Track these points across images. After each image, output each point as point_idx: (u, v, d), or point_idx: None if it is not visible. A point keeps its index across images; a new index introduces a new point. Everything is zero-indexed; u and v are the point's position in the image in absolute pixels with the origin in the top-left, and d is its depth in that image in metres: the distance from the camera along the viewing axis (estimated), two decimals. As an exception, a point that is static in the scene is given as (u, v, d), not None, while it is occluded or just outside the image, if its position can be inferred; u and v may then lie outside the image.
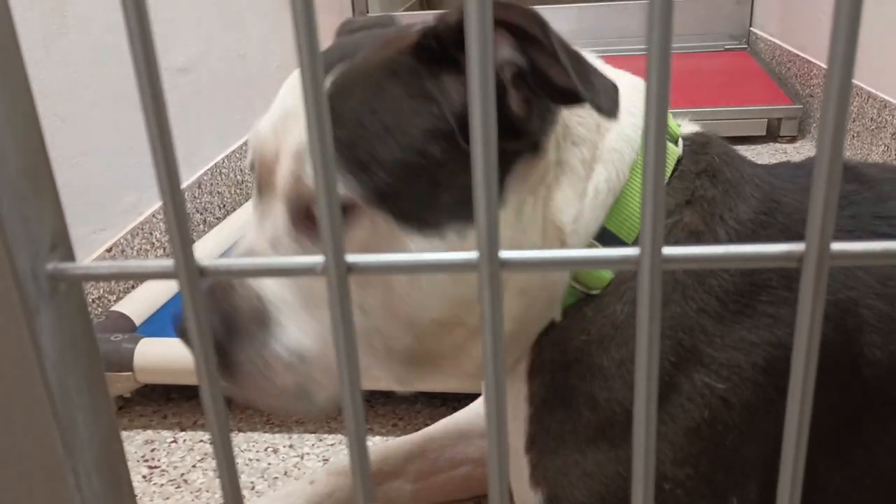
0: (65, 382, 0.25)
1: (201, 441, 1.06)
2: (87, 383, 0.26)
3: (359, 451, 0.24)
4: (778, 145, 2.06)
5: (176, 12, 1.58)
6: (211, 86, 1.72)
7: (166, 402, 1.15)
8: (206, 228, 1.65)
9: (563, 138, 0.58)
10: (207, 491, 0.97)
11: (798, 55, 2.28)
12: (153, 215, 1.45)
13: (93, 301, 1.27)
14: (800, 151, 2.02)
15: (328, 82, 0.55)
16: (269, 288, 0.56)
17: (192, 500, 0.96)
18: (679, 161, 0.61)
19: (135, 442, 1.07)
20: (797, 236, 0.60)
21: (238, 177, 1.82)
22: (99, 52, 1.31)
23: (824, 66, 1.99)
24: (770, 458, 0.58)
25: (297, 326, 0.56)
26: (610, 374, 0.58)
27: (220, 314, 0.56)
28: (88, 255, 1.28)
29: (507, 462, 0.24)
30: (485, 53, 0.20)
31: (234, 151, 1.81)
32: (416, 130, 0.53)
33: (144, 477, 1.00)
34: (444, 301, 0.57)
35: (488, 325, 0.22)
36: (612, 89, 0.49)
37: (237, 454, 1.03)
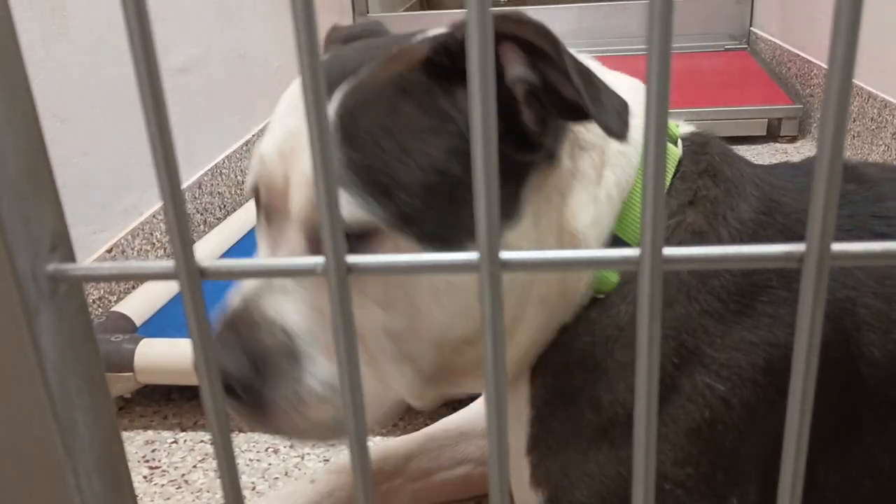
0: (65, 383, 0.25)
1: (202, 441, 1.07)
2: (87, 384, 0.26)
3: (359, 450, 0.24)
4: (778, 145, 2.06)
5: (176, 12, 1.58)
6: (211, 86, 1.72)
7: (167, 402, 1.15)
8: (206, 229, 1.65)
9: (573, 144, 0.58)
10: (208, 491, 0.97)
11: (798, 55, 2.28)
12: (153, 216, 1.45)
13: (93, 301, 1.27)
14: (800, 151, 2.02)
15: (335, 100, 0.54)
16: (295, 321, 0.54)
17: (193, 500, 0.96)
18: (679, 162, 0.61)
19: (135, 442, 1.07)
20: (796, 236, 0.60)
21: (238, 177, 1.82)
22: (99, 52, 1.31)
23: (824, 65, 1.99)
24: (770, 457, 0.58)
25: (328, 358, 0.54)
26: (614, 376, 0.58)
27: (246, 352, 0.54)
28: (89, 256, 1.28)
29: (507, 462, 0.24)
30: (485, 50, 0.20)
31: (234, 152, 1.81)
32: (435, 150, 0.52)
33: (145, 477, 1.00)
34: (469, 318, 0.56)
35: (488, 326, 0.22)
36: (623, 108, 0.49)
37: (238, 454, 1.03)
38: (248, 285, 0.56)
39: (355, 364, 0.23)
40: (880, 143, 1.71)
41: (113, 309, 1.22)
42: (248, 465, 1.01)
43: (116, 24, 1.34)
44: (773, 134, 2.09)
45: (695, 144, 0.63)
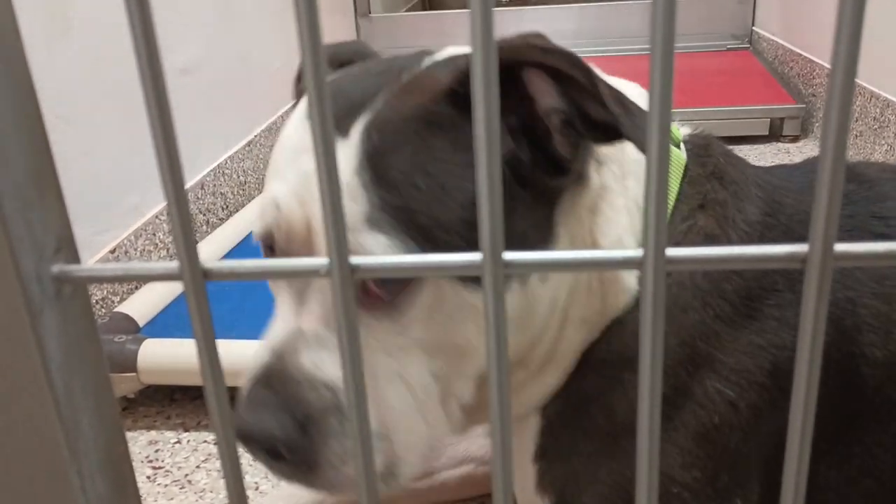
0: (70, 384, 0.25)
1: (205, 441, 1.07)
2: (92, 385, 0.26)
3: (362, 450, 0.24)
4: (780, 145, 2.06)
5: (178, 13, 1.58)
6: (213, 87, 1.72)
7: (170, 402, 1.15)
8: (208, 229, 1.65)
9: (594, 159, 0.58)
10: (211, 491, 0.97)
11: (801, 54, 2.28)
12: (156, 216, 1.45)
13: (96, 302, 1.27)
14: (802, 151, 2.01)
15: (356, 137, 0.51)
16: (337, 375, 0.52)
17: (197, 500, 0.96)
18: (686, 166, 0.61)
19: (138, 443, 1.07)
20: (799, 237, 0.60)
21: (241, 178, 1.82)
22: (101, 53, 1.31)
23: (827, 65, 1.98)
24: (772, 457, 0.58)
25: (375, 407, 0.52)
26: (630, 385, 0.57)
27: (289, 412, 0.51)
28: (92, 257, 1.29)
29: (511, 462, 0.24)
30: (486, 50, 0.20)
31: (236, 152, 1.81)
32: (471, 184, 0.50)
33: (148, 477, 1.00)
34: (511, 347, 0.56)
35: (491, 327, 0.22)
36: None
37: (241, 454, 1.03)
38: (277, 338, 0.54)
39: (359, 365, 0.23)
40: (882, 142, 1.71)
41: (116, 309, 1.22)
42: (251, 465, 1.01)
43: (119, 25, 1.34)
44: (775, 134, 2.09)
45: (697, 147, 0.63)
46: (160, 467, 1.02)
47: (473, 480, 0.89)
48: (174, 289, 1.28)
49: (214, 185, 1.70)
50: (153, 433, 1.09)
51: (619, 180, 0.58)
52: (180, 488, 0.98)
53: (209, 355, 0.24)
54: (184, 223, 0.22)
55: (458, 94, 0.51)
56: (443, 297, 0.51)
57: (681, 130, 0.65)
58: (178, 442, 1.07)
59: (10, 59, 0.23)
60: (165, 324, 1.21)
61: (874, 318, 0.58)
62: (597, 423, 0.59)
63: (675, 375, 0.56)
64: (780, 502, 0.24)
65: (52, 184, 0.25)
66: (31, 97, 0.24)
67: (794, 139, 2.07)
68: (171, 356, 1.06)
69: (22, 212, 0.23)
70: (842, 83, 0.19)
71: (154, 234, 1.44)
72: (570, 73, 0.48)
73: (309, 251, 0.53)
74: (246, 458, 1.03)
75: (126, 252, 1.36)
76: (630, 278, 0.59)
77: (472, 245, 0.50)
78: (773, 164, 0.74)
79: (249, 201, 1.77)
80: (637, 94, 0.62)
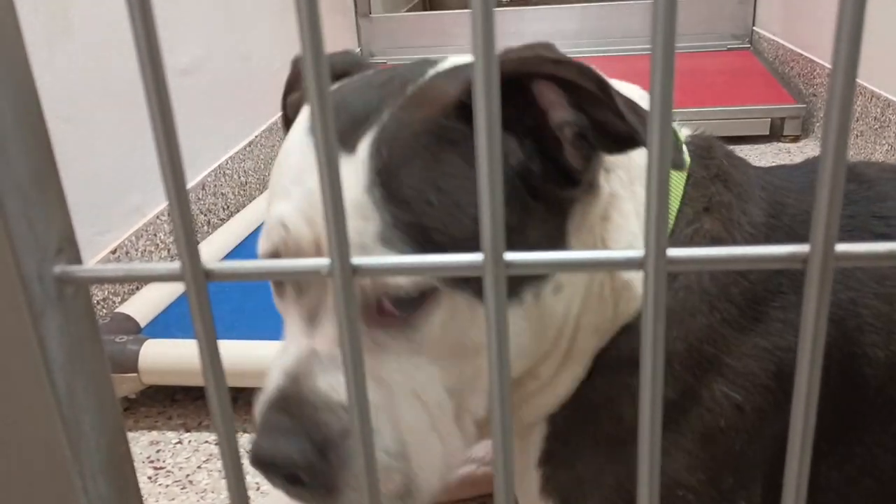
0: (72, 385, 0.25)
1: (206, 442, 1.07)
2: (93, 386, 0.26)
3: (363, 450, 0.24)
4: (781, 145, 2.06)
5: (179, 13, 1.58)
6: (214, 87, 1.72)
7: (171, 403, 1.15)
8: (209, 230, 1.65)
9: (602, 167, 0.58)
10: (213, 492, 0.97)
11: (801, 54, 2.28)
12: (157, 217, 1.45)
13: (97, 302, 1.27)
14: (803, 151, 2.01)
15: (364, 152, 0.50)
16: None
17: (198, 500, 0.96)
18: (689, 168, 0.61)
19: (140, 443, 1.07)
20: (801, 237, 0.60)
21: (242, 178, 1.82)
22: (102, 53, 1.31)
23: (828, 65, 1.98)
24: (775, 457, 0.58)
25: (391, 426, 0.52)
26: (638, 391, 0.57)
27: (307, 436, 0.50)
28: (93, 257, 1.29)
29: (512, 464, 0.24)
30: (487, 50, 0.20)
31: (237, 153, 1.81)
32: None
33: (150, 478, 1.00)
34: (525, 359, 0.56)
35: (492, 328, 0.22)
36: (674, 136, 0.48)
37: (242, 455, 1.03)
38: (290, 360, 0.52)
39: (360, 364, 0.23)
40: (883, 142, 1.71)
41: (117, 310, 1.22)
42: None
43: (120, 25, 1.34)
44: (776, 133, 2.09)
45: (700, 148, 0.63)
46: (161, 468, 1.02)
47: (474, 480, 0.89)
48: (175, 289, 1.28)
49: (215, 186, 1.70)
50: (154, 433, 1.09)
51: (627, 186, 0.58)
52: (182, 489, 0.98)
53: (211, 355, 0.24)
54: (185, 224, 0.22)
55: (466, 107, 0.50)
56: (458, 312, 0.51)
57: (681, 132, 0.65)
58: (180, 442, 1.07)
59: (11, 59, 0.23)
60: (167, 324, 1.21)
61: (876, 319, 0.58)
62: (604, 429, 0.59)
63: (682, 381, 0.56)
64: (781, 502, 0.24)
65: (54, 184, 0.25)
66: (32, 97, 0.24)
67: (795, 139, 2.07)
68: (172, 356, 1.07)
69: (24, 212, 0.23)
70: (842, 83, 0.19)
71: (155, 235, 1.44)
72: (582, 85, 0.48)
73: None
74: (247, 458, 1.03)
75: (127, 252, 1.36)
76: (641, 284, 0.59)
77: None
78: (773, 164, 0.74)
79: (250, 202, 1.77)
80: (638, 95, 0.61)
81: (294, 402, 0.51)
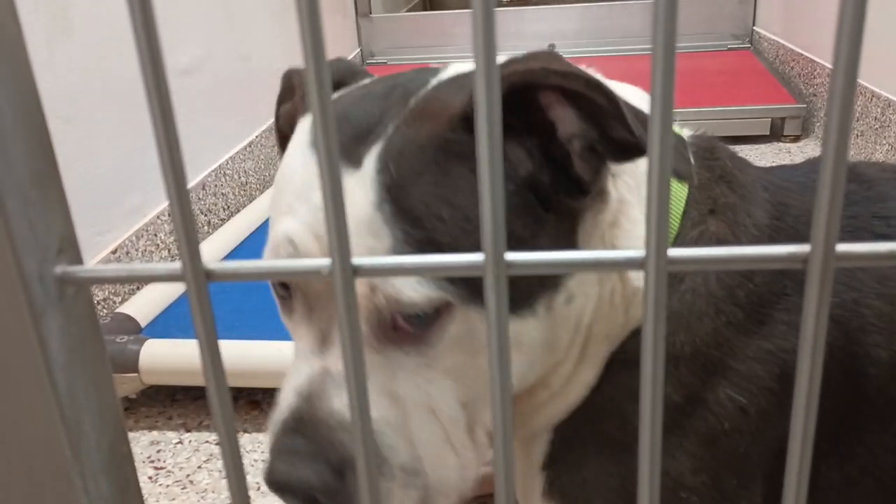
0: (73, 385, 0.25)
1: (207, 442, 1.07)
2: (94, 386, 0.26)
3: (364, 450, 0.24)
4: (781, 145, 2.06)
5: (179, 13, 1.58)
6: (214, 87, 1.72)
7: (171, 403, 1.16)
8: (210, 230, 1.65)
9: (609, 173, 0.57)
10: (213, 492, 0.97)
11: (802, 54, 2.28)
12: (158, 217, 1.45)
13: (98, 303, 1.27)
14: (803, 151, 2.02)
15: (371, 167, 0.49)
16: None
17: (198, 500, 0.96)
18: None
19: (140, 443, 1.07)
20: (804, 238, 0.60)
21: (242, 178, 1.82)
22: (102, 53, 1.31)
23: (828, 65, 1.99)
24: (777, 457, 0.58)
25: (406, 442, 0.51)
26: None
27: (325, 459, 0.49)
28: (93, 257, 1.29)
29: (513, 465, 0.24)
30: (488, 50, 0.20)
31: (237, 153, 1.81)
32: None
33: (150, 478, 1.00)
34: (537, 370, 0.56)
35: (493, 330, 0.22)
36: (682, 144, 0.47)
37: (243, 455, 1.03)
38: (302, 380, 0.52)
39: (361, 364, 0.23)
40: (884, 142, 1.71)
41: (118, 310, 1.22)
42: (252, 465, 1.01)
43: (120, 26, 1.34)
44: (776, 133, 2.09)
45: (702, 150, 0.63)
46: (162, 468, 1.02)
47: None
48: (175, 289, 1.28)
49: (216, 186, 1.70)
50: (155, 433, 1.09)
51: (634, 191, 0.58)
52: (182, 489, 0.98)
53: (211, 355, 0.24)
54: (186, 224, 0.22)
55: (472, 119, 0.49)
56: (472, 325, 0.50)
57: (683, 133, 0.65)
58: (180, 442, 1.07)
59: (11, 59, 0.23)
60: (167, 324, 1.21)
61: (878, 319, 0.58)
62: (609, 432, 0.58)
63: (688, 384, 0.56)
64: (782, 502, 0.24)
65: (55, 184, 0.25)
66: (33, 97, 0.24)
67: (795, 139, 2.07)
68: (172, 356, 1.07)
69: (24, 212, 0.23)
70: (843, 83, 0.19)
71: (156, 235, 1.44)
72: (590, 97, 0.47)
73: (328, 286, 0.51)
74: (248, 458, 1.03)
75: (128, 253, 1.36)
76: None
77: None
78: (773, 164, 0.74)
79: (250, 202, 1.77)
80: (639, 97, 0.61)
81: (309, 423, 0.50)
